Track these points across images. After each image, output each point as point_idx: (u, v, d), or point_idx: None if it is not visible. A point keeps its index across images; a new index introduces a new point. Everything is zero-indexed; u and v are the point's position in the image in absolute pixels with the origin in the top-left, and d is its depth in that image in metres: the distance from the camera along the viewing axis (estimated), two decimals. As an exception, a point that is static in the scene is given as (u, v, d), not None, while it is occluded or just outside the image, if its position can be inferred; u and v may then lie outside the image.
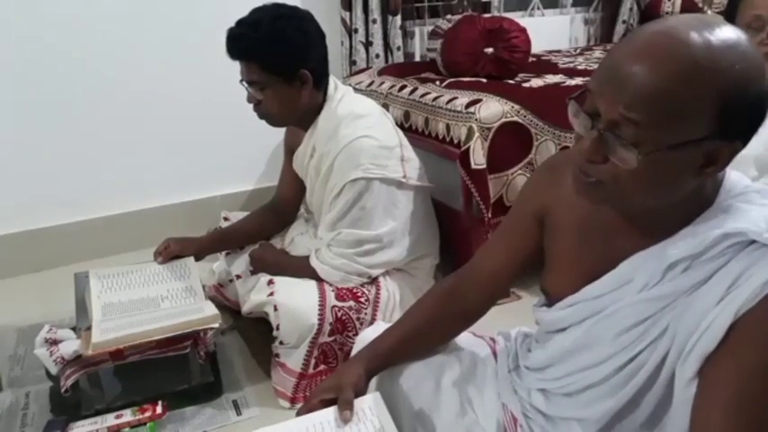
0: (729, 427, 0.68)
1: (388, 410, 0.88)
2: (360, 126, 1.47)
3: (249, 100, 1.48)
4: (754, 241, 0.69)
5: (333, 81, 1.55)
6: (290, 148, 1.71)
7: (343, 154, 1.45)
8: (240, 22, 1.42)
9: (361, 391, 0.91)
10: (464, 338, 1.09)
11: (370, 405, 0.89)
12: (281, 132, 1.76)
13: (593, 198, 0.76)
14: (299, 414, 0.90)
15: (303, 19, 1.44)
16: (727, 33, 0.64)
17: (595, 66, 2.37)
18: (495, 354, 1.06)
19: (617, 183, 0.69)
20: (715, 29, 0.64)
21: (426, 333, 1.01)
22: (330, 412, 0.88)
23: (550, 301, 0.92)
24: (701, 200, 0.74)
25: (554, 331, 0.91)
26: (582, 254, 0.86)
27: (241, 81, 1.46)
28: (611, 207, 0.79)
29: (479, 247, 1.10)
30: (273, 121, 1.53)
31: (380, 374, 0.99)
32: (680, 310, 0.73)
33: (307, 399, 1.03)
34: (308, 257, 1.52)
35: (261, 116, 1.51)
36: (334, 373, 0.98)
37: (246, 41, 1.39)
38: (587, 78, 2.03)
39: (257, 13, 1.42)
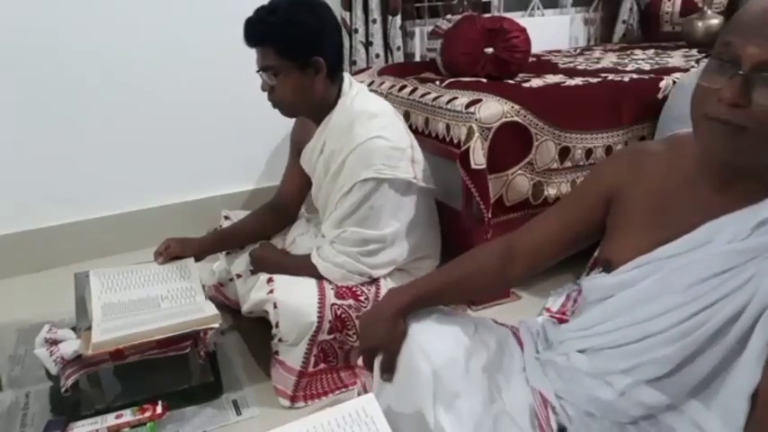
0: None
1: (382, 412, 0.89)
2: (374, 126, 1.47)
3: (263, 87, 1.48)
4: None
5: (348, 78, 1.55)
6: (298, 144, 1.70)
7: (355, 153, 1.45)
8: (258, 10, 1.44)
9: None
10: (488, 325, 1.09)
11: (364, 406, 0.89)
12: (281, 132, 1.76)
13: (732, 148, 0.77)
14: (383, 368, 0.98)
15: (319, 6, 1.46)
16: None
17: (595, 65, 2.37)
18: (518, 341, 1.07)
19: (761, 124, 0.73)
20: None
21: (466, 287, 1.08)
22: (329, 414, 0.89)
23: (610, 268, 0.93)
24: None
25: (608, 296, 0.91)
26: (657, 224, 0.88)
27: (258, 71, 1.47)
28: (721, 167, 0.82)
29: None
30: (286, 109, 1.53)
31: (406, 348, 0.97)
32: (764, 267, 0.75)
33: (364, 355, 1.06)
34: (309, 256, 1.52)
35: (274, 104, 1.51)
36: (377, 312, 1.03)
37: (262, 26, 1.41)
38: (587, 78, 2.03)
39: (275, 0, 1.44)
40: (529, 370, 1.00)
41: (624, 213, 0.93)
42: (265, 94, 1.50)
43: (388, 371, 0.98)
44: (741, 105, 0.73)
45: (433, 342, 0.96)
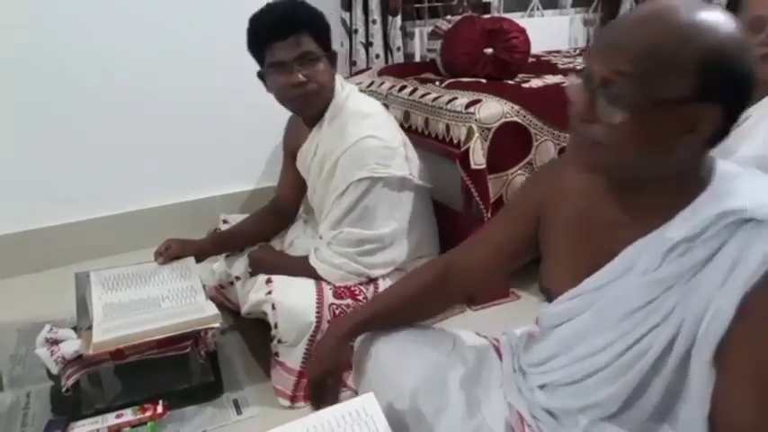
0: (755, 411, 0.69)
1: (382, 411, 0.89)
2: (366, 126, 1.47)
3: (294, 80, 1.41)
4: (749, 220, 0.70)
5: (339, 78, 1.55)
6: (290, 149, 1.71)
7: (348, 153, 1.45)
8: (274, 6, 1.42)
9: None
10: (468, 338, 1.10)
11: (364, 406, 0.90)
12: (281, 132, 1.77)
13: (588, 161, 0.78)
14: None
15: None
16: (710, 9, 0.70)
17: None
18: (499, 354, 1.07)
19: (608, 141, 0.73)
20: (701, 5, 0.71)
21: (413, 308, 1.08)
22: (329, 413, 0.89)
23: (550, 297, 0.93)
24: (696, 183, 0.76)
25: (556, 325, 0.91)
26: (580, 247, 0.87)
27: (296, 59, 1.41)
28: (607, 179, 0.82)
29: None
30: (317, 98, 1.47)
31: (383, 373, 1.00)
32: (684, 294, 0.74)
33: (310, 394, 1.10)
34: (307, 257, 1.52)
35: (304, 97, 1.45)
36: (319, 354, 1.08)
37: (304, 12, 1.41)
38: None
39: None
40: (506, 386, 1.00)
41: (551, 232, 0.93)
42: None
43: (333, 395, 1.04)
44: (588, 120, 0.74)
45: (410, 361, 0.99)
